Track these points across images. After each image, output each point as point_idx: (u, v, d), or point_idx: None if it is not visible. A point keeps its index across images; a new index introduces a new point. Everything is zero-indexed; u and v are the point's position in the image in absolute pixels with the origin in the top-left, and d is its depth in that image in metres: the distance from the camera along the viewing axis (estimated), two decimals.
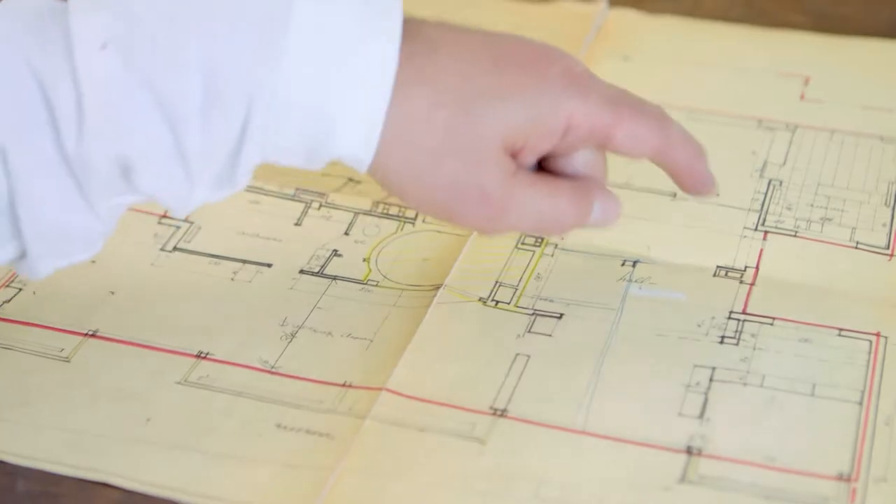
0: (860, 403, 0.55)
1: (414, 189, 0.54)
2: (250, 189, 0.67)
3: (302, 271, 0.63)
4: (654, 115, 0.56)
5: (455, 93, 0.53)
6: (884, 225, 0.64)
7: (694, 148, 0.57)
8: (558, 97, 0.54)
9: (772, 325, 0.59)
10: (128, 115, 0.50)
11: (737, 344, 0.58)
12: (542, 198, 0.55)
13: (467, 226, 0.56)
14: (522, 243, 0.64)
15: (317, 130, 0.52)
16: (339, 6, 0.52)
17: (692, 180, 0.58)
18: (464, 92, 0.53)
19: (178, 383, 0.58)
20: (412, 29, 0.53)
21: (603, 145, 0.56)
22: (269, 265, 0.64)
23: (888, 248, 0.63)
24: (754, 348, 0.58)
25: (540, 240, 0.64)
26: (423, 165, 0.53)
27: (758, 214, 0.65)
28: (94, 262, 0.64)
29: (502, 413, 0.55)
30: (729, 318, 0.59)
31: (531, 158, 0.55)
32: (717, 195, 0.60)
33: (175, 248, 0.65)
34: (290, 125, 0.52)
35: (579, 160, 0.57)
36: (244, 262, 0.64)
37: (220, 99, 0.51)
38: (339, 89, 0.51)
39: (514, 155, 0.54)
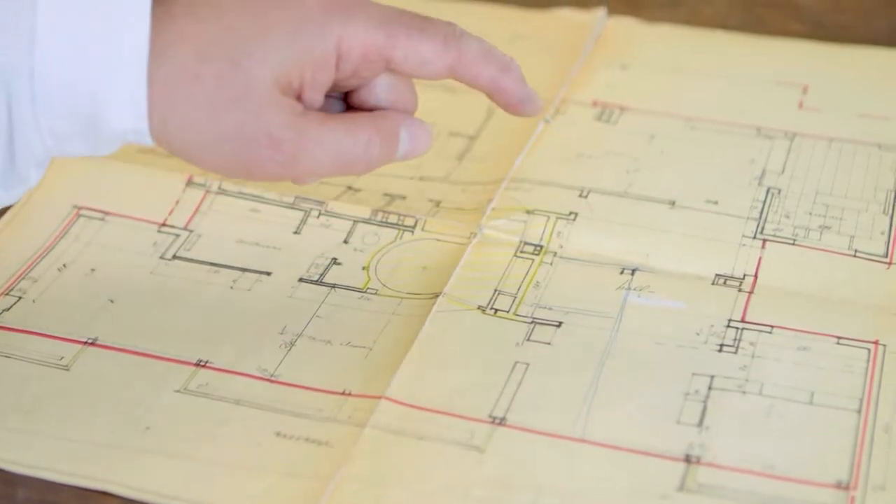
0: (859, 411, 0.55)
1: (200, 149, 0.52)
2: (249, 197, 0.67)
3: (301, 280, 0.63)
4: (439, 32, 0.54)
5: (220, 45, 0.52)
6: (882, 233, 0.65)
7: (498, 63, 0.55)
8: (321, 25, 0.52)
9: (770, 333, 0.59)
10: None
11: (735, 352, 0.58)
12: (338, 134, 0.53)
13: (265, 177, 0.53)
14: (521, 251, 0.64)
15: (86, 110, 0.51)
16: None
17: (505, 97, 0.56)
18: (228, 42, 0.52)
19: (178, 391, 0.58)
20: None
21: (389, 69, 0.54)
22: (269, 273, 0.64)
23: (886, 256, 0.63)
24: (753, 356, 0.58)
25: (539, 248, 0.64)
26: (203, 122, 0.52)
27: (756, 223, 0.65)
28: (93, 270, 0.64)
29: (501, 421, 0.55)
30: (728, 326, 0.59)
31: (316, 95, 0.53)
32: (540, 113, 0.57)
33: (174, 257, 0.65)
34: (57, 107, 0.51)
35: (380, 89, 0.55)
36: (243, 270, 0.64)
37: None
38: (97, 62, 0.51)
39: (297, 97, 0.53)
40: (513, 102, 0.56)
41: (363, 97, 0.55)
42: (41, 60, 0.50)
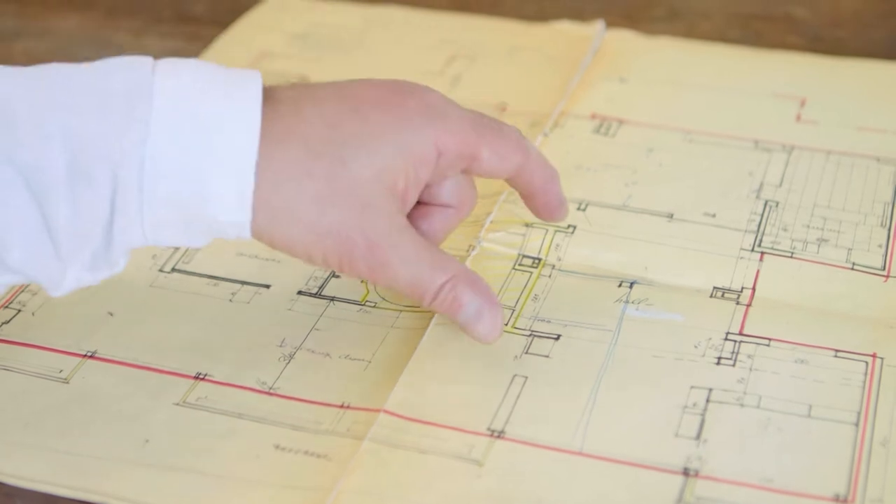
0: (856, 424, 0.55)
1: (304, 243, 0.54)
2: None
3: (300, 292, 0.63)
4: (513, 135, 0.58)
5: (327, 142, 0.54)
6: (879, 246, 0.65)
7: (550, 170, 0.60)
8: (422, 126, 0.55)
9: (768, 346, 0.59)
10: None
11: (733, 365, 0.58)
12: (423, 264, 0.56)
13: (353, 274, 0.56)
14: (520, 264, 0.64)
15: (189, 201, 0.52)
16: (199, 76, 0.53)
17: (546, 200, 0.60)
18: (335, 140, 0.54)
19: (177, 404, 0.58)
20: (272, 92, 0.54)
21: (470, 166, 0.57)
22: (268, 286, 0.64)
23: (884, 269, 0.63)
24: (751, 369, 0.58)
25: (537, 261, 0.64)
26: (311, 217, 0.54)
27: (754, 235, 0.65)
28: None
29: (500, 434, 0.55)
30: (725, 339, 0.60)
31: (416, 192, 0.56)
32: (565, 218, 0.61)
33: (174, 270, 0.65)
34: (162, 198, 0.52)
35: (448, 186, 0.59)
36: (242, 283, 0.64)
37: (85, 172, 0.51)
38: (206, 155, 0.52)
39: (402, 196, 0.55)
40: (551, 206, 0.60)
41: (433, 193, 0.59)
42: (152, 152, 0.52)
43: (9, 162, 0.51)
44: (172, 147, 0.52)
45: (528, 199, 0.60)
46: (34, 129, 0.51)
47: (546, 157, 0.60)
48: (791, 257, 0.64)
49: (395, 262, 0.55)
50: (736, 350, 0.59)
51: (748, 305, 0.61)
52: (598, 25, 0.83)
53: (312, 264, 0.56)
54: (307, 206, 0.54)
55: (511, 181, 0.59)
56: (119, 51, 0.84)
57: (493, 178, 0.59)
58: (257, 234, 0.54)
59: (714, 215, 0.66)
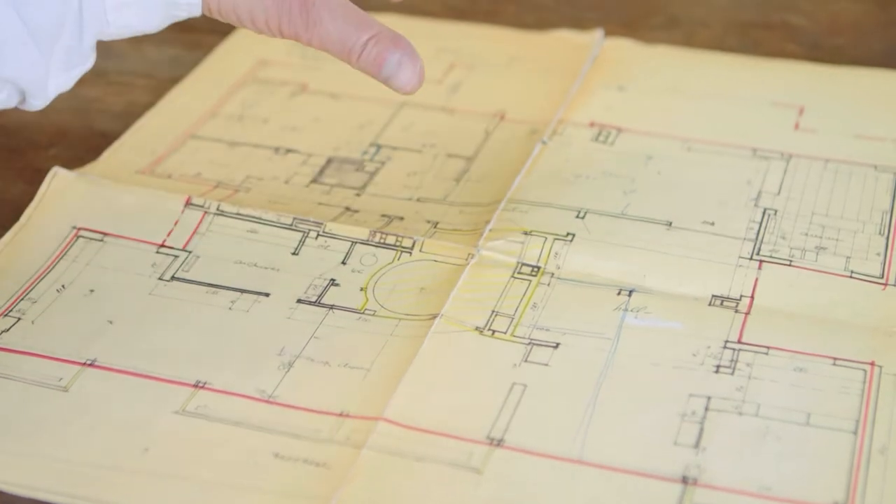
0: (855, 433, 0.55)
1: (246, 2, 0.59)
2: (248, 218, 0.68)
3: (299, 301, 0.63)
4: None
5: None
6: (878, 254, 0.65)
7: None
8: None
9: (767, 354, 0.59)
10: None
11: (732, 373, 0.58)
12: (350, 22, 0.60)
13: (286, 34, 0.60)
14: (519, 272, 0.64)
15: None
16: None
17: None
18: None
19: (176, 413, 0.58)
20: None
21: None
22: (267, 294, 0.64)
23: (882, 277, 0.63)
24: (749, 378, 0.58)
25: (536, 269, 0.64)
26: None
27: (753, 244, 0.65)
28: (92, 291, 0.64)
29: (499, 443, 0.56)
30: (724, 347, 0.60)
31: None
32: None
33: (173, 278, 0.65)
34: None
35: None
36: (242, 291, 0.64)
37: None
38: None
39: None
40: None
41: None
42: None
43: None
44: None
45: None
46: None
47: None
48: (790, 265, 0.64)
49: (326, 19, 0.59)
50: (735, 358, 0.59)
51: (747, 313, 0.61)
52: (596, 34, 0.83)
53: (255, 29, 0.60)
54: None
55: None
56: (118, 58, 0.84)
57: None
58: (206, 0, 0.59)
59: (713, 223, 0.67)
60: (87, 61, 0.59)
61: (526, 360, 0.59)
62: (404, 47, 0.61)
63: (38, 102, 0.58)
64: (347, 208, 0.69)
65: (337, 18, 0.60)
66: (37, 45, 0.56)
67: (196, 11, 0.60)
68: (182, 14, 0.60)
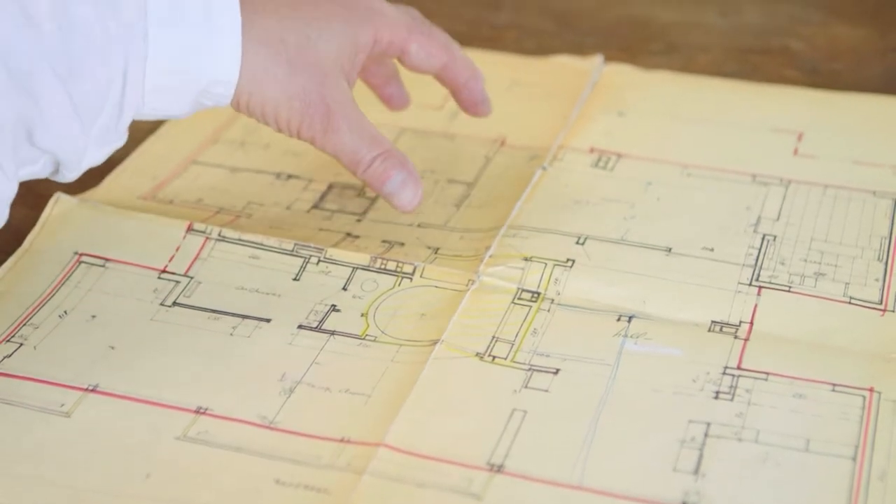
0: (854, 459, 0.56)
1: (275, 100, 0.62)
2: (249, 244, 0.68)
3: (300, 326, 0.64)
4: (441, 37, 0.69)
5: (294, 19, 0.63)
6: (876, 280, 0.65)
7: (474, 70, 0.71)
8: (365, 19, 0.65)
9: (766, 380, 0.59)
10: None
11: (731, 399, 0.58)
12: (365, 136, 0.64)
13: (306, 138, 0.64)
14: (519, 298, 0.65)
15: (188, 65, 0.59)
16: None
17: (469, 95, 0.71)
18: (299, 19, 0.63)
19: (178, 438, 0.58)
20: None
21: (401, 58, 0.68)
22: (268, 320, 0.64)
23: (881, 303, 0.64)
24: (749, 404, 0.58)
25: (536, 295, 0.65)
26: (283, 79, 0.62)
27: (752, 270, 0.66)
28: (94, 316, 0.64)
29: (499, 469, 0.56)
30: (724, 373, 0.60)
31: (356, 74, 0.66)
32: (488, 113, 0.72)
33: (175, 303, 0.65)
34: (164, 64, 0.58)
35: (377, 70, 0.73)
36: (243, 317, 0.64)
37: (98, 50, 0.56)
38: (198, 24, 0.59)
39: (346, 76, 0.64)
40: (476, 100, 0.72)
41: (368, 73, 0.73)
42: (154, 22, 0.58)
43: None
44: (167, 19, 0.58)
45: (455, 94, 0.71)
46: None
47: (472, 61, 0.71)
48: (789, 291, 0.64)
49: (344, 130, 0.63)
50: (734, 384, 0.59)
51: (746, 339, 0.62)
52: (596, 60, 0.83)
53: (276, 127, 0.63)
54: (282, 68, 0.62)
55: (439, 77, 0.70)
56: None
57: (421, 71, 0.69)
58: (237, 95, 0.62)
59: (712, 249, 0.67)
60: (121, 139, 0.60)
61: (526, 386, 0.60)
62: (409, 169, 0.65)
63: (70, 175, 0.59)
64: (348, 234, 0.69)
65: (353, 131, 0.64)
66: (80, 120, 0.57)
67: (224, 102, 0.62)
68: (210, 103, 0.62)
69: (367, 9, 0.66)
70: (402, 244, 0.68)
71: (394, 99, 0.74)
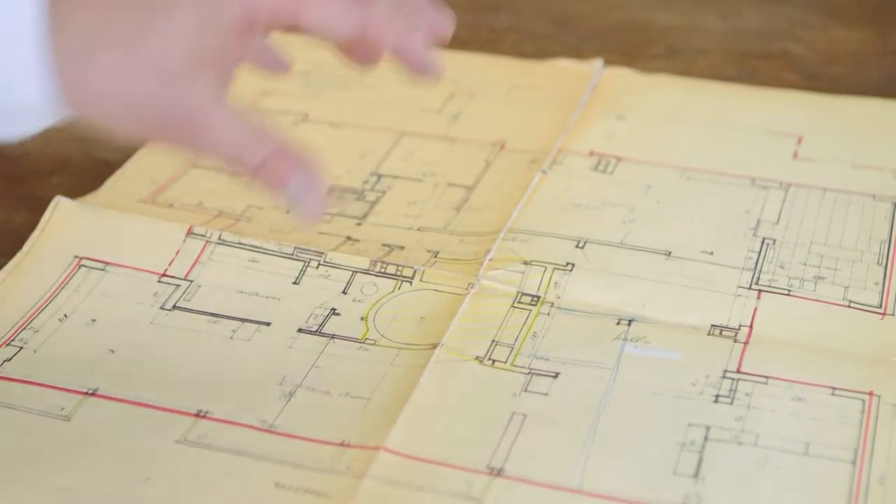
0: (853, 462, 0.56)
1: (111, 116, 0.52)
2: (249, 248, 0.68)
3: (300, 330, 0.64)
4: None
5: (124, 14, 0.51)
6: (876, 283, 0.65)
7: (405, 23, 0.54)
8: None
9: (766, 383, 0.59)
10: None
11: (731, 403, 0.59)
12: (243, 134, 0.53)
13: (179, 143, 0.54)
14: (519, 302, 0.65)
15: None
16: None
17: (406, 60, 0.55)
18: (133, 12, 0.51)
19: (178, 442, 0.58)
20: None
21: (297, 28, 0.53)
22: (268, 324, 0.64)
23: (880, 307, 0.64)
24: (748, 407, 0.58)
25: (536, 299, 0.65)
26: (115, 88, 0.51)
27: (752, 273, 0.66)
28: (94, 320, 0.64)
29: (499, 472, 0.56)
30: (723, 376, 0.60)
31: (233, 60, 0.53)
32: (439, 76, 0.56)
33: (174, 307, 0.65)
34: None
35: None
36: (243, 320, 0.64)
37: None
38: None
39: (214, 65, 0.52)
40: (415, 64, 0.55)
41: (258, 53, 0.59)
42: None
43: None
44: None
45: (393, 57, 0.55)
46: None
47: (405, 12, 0.55)
48: (788, 295, 0.64)
49: (217, 130, 0.52)
50: (734, 388, 0.59)
51: (746, 343, 0.62)
52: (596, 63, 0.83)
53: (129, 136, 0.54)
54: (110, 82, 0.50)
55: (354, 46, 0.56)
56: None
57: (331, 40, 0.54)
58: (64, 114, 0.51)
59: (712, 253, 0.67)
60: None
61: (526, 390, 0.60)
62: (308, 171, 0.53)
63: None
64: (348, 238, 0.69)
65: (229, 129, 0.52)
66: None
67: (44, 125, 0.52)
68: (43, 119, 0.51)
69: None
70: (402, 248, 0.68)
71: (272, 66, 0.61)
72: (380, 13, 0.53)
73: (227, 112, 0.52)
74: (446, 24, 0.57)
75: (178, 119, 0.52)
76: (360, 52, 0.57)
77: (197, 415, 0.59)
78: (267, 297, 0.66)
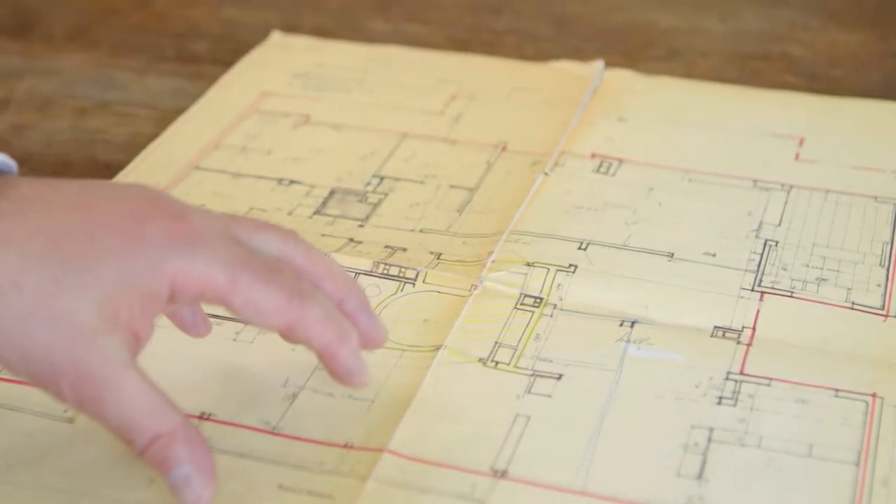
0: (857, 464, 0.56)
1: (4, 359, 0.50)
2: None
3: None
4: (285, 287, 0.52)
5: (44, 258, 0.49)
6: (878, 285, 0.65)
7: (336, 331, 0.53)
8: (156, 260, 0.50)
9: (769, 385, 0.59)
10: None
11: (734, 405, 0.59)
12: (148, 418, 0.51)
13: (64, 403, 0.51)
14: (522, 304, 0.65)
15: None
16: None
17: (333, 366, 0.54)
18: (53, 258, 0.49)
19: None
20: (2, 187, 0.51)
21: (225, 308, 0.52)
22: None
23: (883, 308, 0.64)
24: (752, 409, 0.58)
25: (539, 300, 0.65)
26: (14, 337, 0.49)
27: (754, 275, 0.66)
28: None
29: (503, 474, 0.56)
30: (726, 378, 0.60)
31: (147, 327, 0.52)
32: (365, 384, 0.55)
33: None
34: None
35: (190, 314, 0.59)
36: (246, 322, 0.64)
37: None
38: None
39: (126, 328, 0.50)
40: (340, 372, 0.55)
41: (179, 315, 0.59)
42: None
43: None
44: None
45: (319, 359, 0.55)
46: None
47: (339, 314, 0.54)
48: (791, 297, 0.64)
49: (105, 400, 0.50)
50: (737, 390, 0.59)
51: (749, 345, 0.62)
52: (597, 65, 0.84)
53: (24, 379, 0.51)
54: (13, 326, 0.49)
55: (285, 337, 0.55)
56: (122, 90, 0.85)
57: (259, 328, 0.55)
58: None
59: (714, 255, 0.67)
60: None
61: (529, 392, 0.60)
62: (198, 458, 0.51)
63: None
64: (350, 239, 0.69)
65: (120, 402, 0.50)
66: None
67: None
68: None
69: (165, 246, 0.50)
70: (405, 249, 0.68)
71: (194, 328, 0.60)
72: (313, 316, 0.53)
73: (125, 381, 0.50)
74: (379, 335, 0.56)
75: (68, 378, 0.49)
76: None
77: (200, 417, 0.59)
78: None
